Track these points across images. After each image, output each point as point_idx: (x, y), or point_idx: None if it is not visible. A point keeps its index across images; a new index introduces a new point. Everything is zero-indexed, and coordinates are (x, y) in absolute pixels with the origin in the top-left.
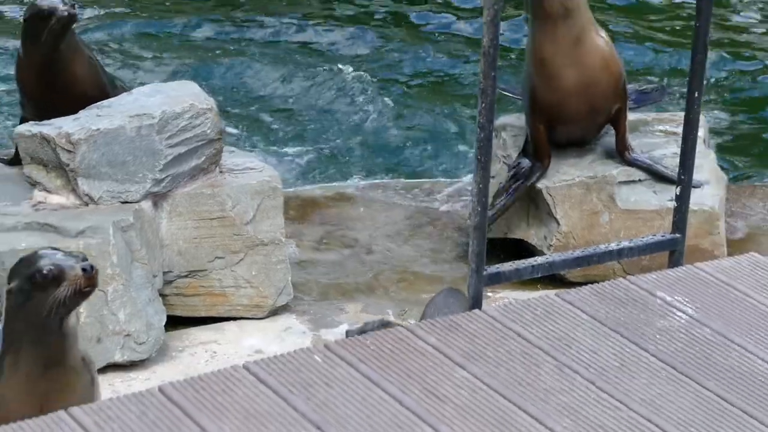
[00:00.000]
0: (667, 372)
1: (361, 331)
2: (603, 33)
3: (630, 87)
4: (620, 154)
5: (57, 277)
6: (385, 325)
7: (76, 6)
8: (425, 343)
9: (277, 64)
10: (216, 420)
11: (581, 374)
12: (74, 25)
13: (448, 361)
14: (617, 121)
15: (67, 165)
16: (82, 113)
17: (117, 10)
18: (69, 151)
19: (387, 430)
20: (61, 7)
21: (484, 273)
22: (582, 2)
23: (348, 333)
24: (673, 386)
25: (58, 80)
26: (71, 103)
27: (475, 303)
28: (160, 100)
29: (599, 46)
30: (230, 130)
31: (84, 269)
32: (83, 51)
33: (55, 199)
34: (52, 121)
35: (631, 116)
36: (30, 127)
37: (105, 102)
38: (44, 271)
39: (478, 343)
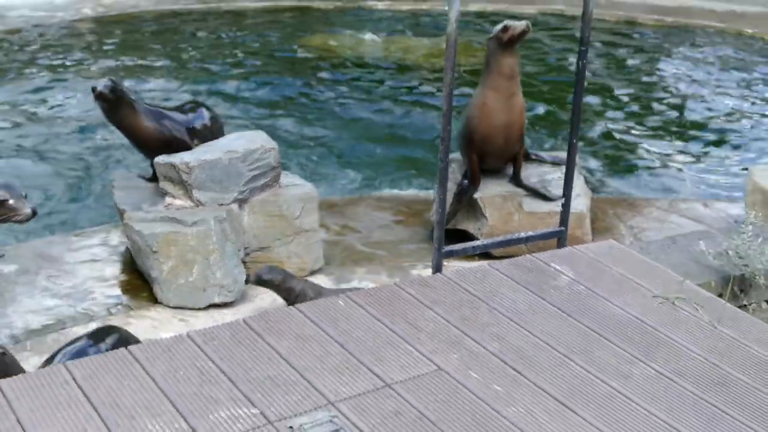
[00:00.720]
0: (558, 313)
1: (258, 276)
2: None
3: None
4: (516, 179)
5: None
6: (273, 269)
7: (107, 86)
8: (407, 294)
9: (314, 116)
10: (278, 340)
11: (504, 314)
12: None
13: (421, 305)
14: (517, 157)
15: (186, 181)
16: (195, 150)
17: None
18: (187, 173)
19: (384, 347)
20: (98, 87)
21: (443, 250)
22: (517, 70)
23: (248, 278)
24: (562, 322)
25: (130, 138)
26: (147, 152)
27: (438, 269)
28: (242, 142)
29: (521, 100)
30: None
31: None
32: (139, 115)
33: (179, 202)
34: (176, 155)
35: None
36: (163, 158)
37: (209, 143)
38: None
39: (440, 294)
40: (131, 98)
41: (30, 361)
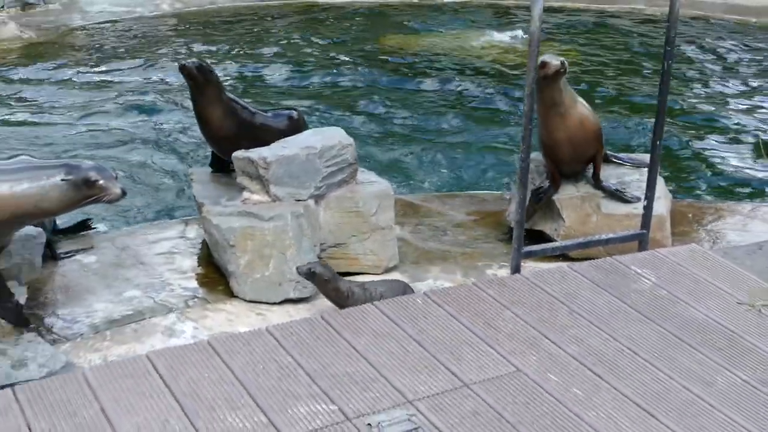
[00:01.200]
0: (639, 317)
1: (308, 269)
2: (582, 105)
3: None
4: (595, 181)
5: None
6: (326, 266)
7: (194, 63)
8: (486, 294)
9: (391, 114)
10: (356, 336)
11: (583, 316)
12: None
13: (500, 305)
14: (594, 161)
15: (263, 176)
16: (272, 145)
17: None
18: (265, 168)
19: (462, 346)
20: (186, 63)
21: (522, 250)
22: (564, 94)
23: (298, 269)
24: (644, 326)
25: (203, 124)
26: (213, 141)
27: (516, 269)
28: (319, 138)
29: (577, 116)
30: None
31: None
32: (220, 101)
33: (256, 197)
34: (254, 150)
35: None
36: (241, 153)
37: (287, 139)
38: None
39: (519, 295)
40: (219, 84)
41: (111, 351)
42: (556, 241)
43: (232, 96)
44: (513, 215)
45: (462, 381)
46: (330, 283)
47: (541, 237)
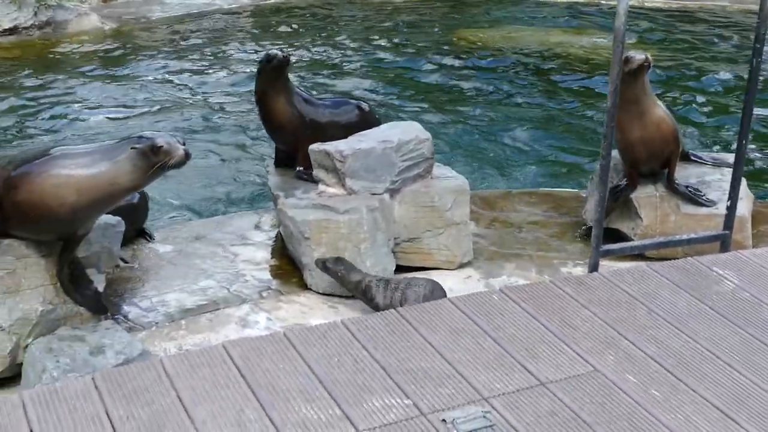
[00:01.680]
0: (720, 320)
1: (322, 262)
2: (660, 107)
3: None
4: (668, 183)
5: None
6: (339, 260)
7: (278, 54)
8: (563, 292)
9: (469, 109)
10: (431, 332)
11: (662, 317)
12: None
13: (577, 303)
14: (669, 162)
15: (340, 169)
16: (349, 138)
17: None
18: (341, 161)
19: (538, 344)
20: (271, 53)
21: (601, 249)
22: (646, 93)
23: (316, 262)
24: (725, 329)
25: (262, 113)
26: (273, 131)
27: (594, 268)
28: (397, 132)
29: (655, 117)
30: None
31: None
32: (284, 91)
33: (331, 190)
34: (331, 143)
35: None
36: (318, 146)
37: (364, 132)
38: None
39: (597, 293)
40: (288, 83)
41: (186, 340)
42: (632, 240)
43: (296, 87)
44: (590, 213)
45: (538, 379)
46: (344, 278)
47: (618, 236)
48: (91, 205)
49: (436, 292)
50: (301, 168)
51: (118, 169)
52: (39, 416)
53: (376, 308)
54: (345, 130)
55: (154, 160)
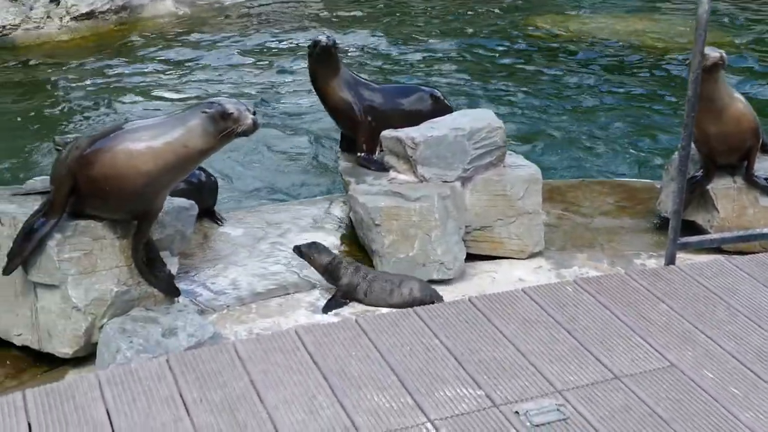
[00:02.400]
0: None
1: (297, 248)
2: (739, 100)
3: None
4: (746, 175)
5: None
6: (312, 244)
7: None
8: (639, 284)
9: (541, 98)
10: (504, 322)
11: (742, 312)
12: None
13: (653, 296)
14: (748, 155)
15: (411, 156)
16: (421, 125)
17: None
18: (413, 148)
19: (613, 337)
20: (319, 39)
21: (678, 242)
22: (721, 90)
23: (294, 248)
24: None
25: (319, 95)
26: (330, 114)
27: (671, 261)
28: (468, 120)
29: (734, 112)
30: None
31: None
32: (339, 76)
33: (402, 177)
34: (403, 129)
35: None
36: (390, 132)
37: (435, 119)
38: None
39: (674, 287)
40: (339, 61)
41: (256, 324)
42: (708, 232)
43: (352, 72)
44: (664, 204)
45: (613, 373)
46: (314, 260)
47: (693, 228)
48: (165, 172)
49: (418, 292)
50: (363, 154)
51: (190, 132)
52: (115, 396)
53: (339, 289)
54: (415, 118)
55: (224, 126)
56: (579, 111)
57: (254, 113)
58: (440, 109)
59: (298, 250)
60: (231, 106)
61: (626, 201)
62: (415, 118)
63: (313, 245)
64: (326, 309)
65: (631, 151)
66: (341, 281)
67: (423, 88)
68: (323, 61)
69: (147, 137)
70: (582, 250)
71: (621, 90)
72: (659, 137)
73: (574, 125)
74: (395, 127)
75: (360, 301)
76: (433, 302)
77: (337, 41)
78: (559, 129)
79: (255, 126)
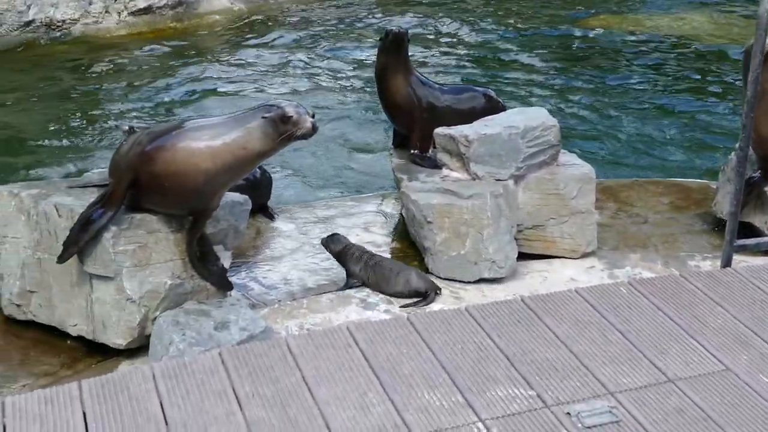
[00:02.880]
0: None
1: (326, 241)
2: None
3: None
4: None
5: None
6: (332, 235)
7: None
8: (694, 286)
9: (595, 96)
10: (557, 322)
11: None
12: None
13: (708, 299)
14: None
15: (464, 154)
16: (475, 123)
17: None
18: (466, 146)
19: (667, 340)
20: (392, 29)
21: (735, 244)
22: None
23: (321, 240)
24: None
25: (380, 90)
26: (388, 110)
27: (727, 263)
28: (523, 118)
29: None
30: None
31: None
32: (405, 72)
33: (455, 174)
34: (457, 127)
35: None
36: (444, 130)
37: (489, 117)
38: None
39: (730, 290)
40: (408, 62)
41: (307, 319)
42: (765, 235)
43: (416, 70)
44: (720, 205)
45: (666, 376)
46: (331, 251)
47: (750, 230)
48: (223, 172)
49: (414, 282)
50: (416, 151)
51: (249, 134)
52: (168, 389)
53: (347, 273)
54: (469, 118)
55: (283, 129)
56: (634, 110)
57: (313, 116)
58: (494, 108)
59: (324, 242)
60: (291, 109)
61: (681, 201)
62: (469, 118)
63: (331, 236)
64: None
65: (686, 151)
66: (350, 268)
67: (477, 88)
68: (393, 52)
69: (207, 137)
70: (635, 251)
71: (677, 89)
72: (715, 137)
73: (630, 124)
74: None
75: (368, 287)
76: (428, 294)
77: (407, 32)
78: (614, 128)
79: (314, 130)
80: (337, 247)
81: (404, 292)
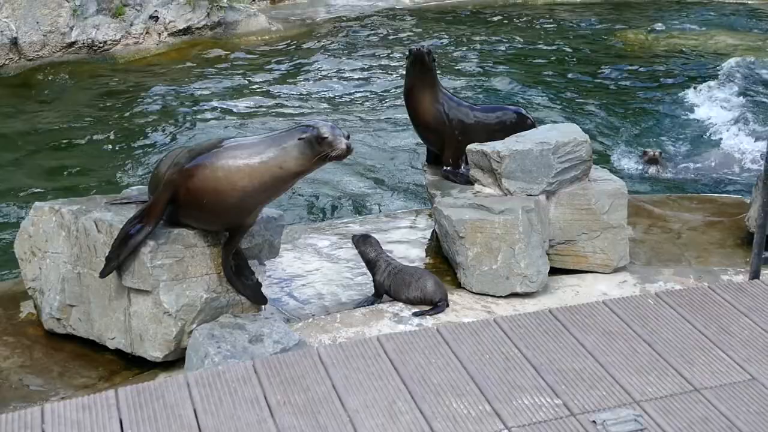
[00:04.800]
0: None
1: (358, 240)
2: None
3: None
4: None
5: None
6: (363, 236)
7: (424, 48)
8: (721, 298)
9: (629, 113)
10: (584, 333)
11: None
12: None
13: (735, 310)
14: None
15: (496, 170)
16: (507, 139)
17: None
18: (498, 162)
19: (693, 350)
20: (414, 47)
21: (763, 255)
22: None
23: (353, 237)
24: None
25: (409, 109)
26: (418, 128)
27: (755, 275)
28: (555, 134)
29: None
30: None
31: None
32: (432, 90)
33: (487, 190)
34: (489, 143)
35: None
36: (475, 146)
37: (521, 133)
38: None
39: (757, 301)
40: (436, 80)
41: (340, 333)
42: None
43: (444, 88)
44: (753, 219)
45: (692, 385)
46: (363, 253)
47: None
48: (261, 190)
49: (429, 289)
50: (448, 168)
51: (286, 155)
52: (202, 396)
53: (374, 284)
54: (500, 135)
55: (319, 150)
56: (665, 126)
57: (348, 137)
58: (525, 126)
59: (354, 238)
60: (326, 130)
61: (715, 216)
62: (499, 135)
63: (364, 237)
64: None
65: (721, 166)
66: (376, 278)
67: (508, 107)
68: (419, 72)
69: (245, 155)
70: (668, 265)
71: (710, 104)
72: (749, 153)
73: (663, 140)
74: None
75: (389, 296)
76: (440, 303)
77: (433, 51)
78: (647, 144)
79: (349, 151)
80: (371, 254)
81: (420, 298)
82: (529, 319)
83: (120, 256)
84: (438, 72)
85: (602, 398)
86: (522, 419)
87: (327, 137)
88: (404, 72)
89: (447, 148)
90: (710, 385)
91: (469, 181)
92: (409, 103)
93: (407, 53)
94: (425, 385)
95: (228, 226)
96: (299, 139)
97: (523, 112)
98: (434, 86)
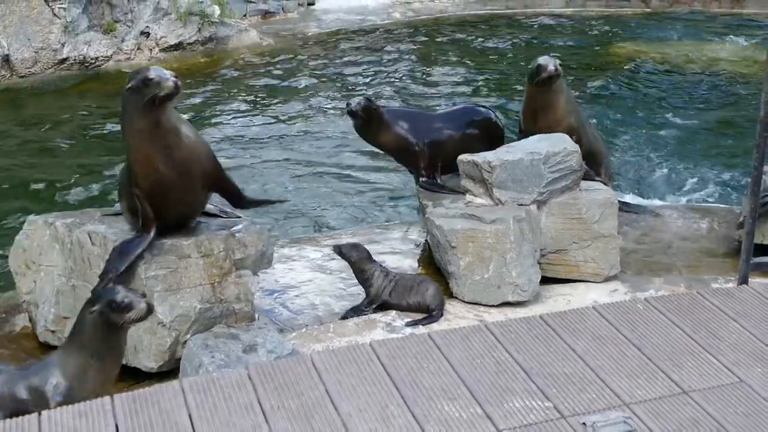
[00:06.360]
0: None
1: (338, 248)
2: None
3: None
4: None
5: None
6: (354, 246)
7: (360, 104)
8: (710, 303)
9: (620, 122)
10: (574, 338)
11: None
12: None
13: (724, 315)
14: None
15: (487, 180)
16: (498, 150)
17: None
18: (489, 172)
19: (682, 354)
20: (351, 104)
21: (751, 261)
22: None
23: (333, 248)
24: None
25: (371, 143)
26: (391, 155)
27: (744, 281)
28: (545, 144)
29: None
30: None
31: None
32: (387, 125)
33: (479, 200)
34: (480, 154)
35: None
36: (466, 157)
37: (513, 144)
38: None
39: (746, 306)
40: (383, 116)
41: (333, 342)
42: None
43: (396, 109)
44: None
45: (681, 388)
46: (355, 264)
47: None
48: (153, 156)
49: (429, 295)
50: (423, 179)
51: (128, 114)
52: (197, 402)
53: (368, 295)
54: (469, 138)
55: (147, 92)
56: (659, 136)
57: (176, 77)
58: (493, 127)
59: (338, 249)
60: (150, 71)
61: (705, 225)
62: (469, 139)
63: (355, 247)
64: (346, 315)
65: (714, 175)
66: (371, 289)
67: (476, 108)
68: (366, 122)
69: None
70: (659, 274)
71: (701, 115)
72: (740, 161)
73: (655, 150)
74: (451, 150)
75: (387, 303)
76: (435, 311)
77: (369, 101)
78: (638, 154)
79: (176, 88)
80: (361, 258)
81: (419, 302)
82: (519, 324)
83: (118, 269)
84: (384, 108)
85: (592, 401)
86: (513, 422)
87: (152, 78)
88: (397, 86)
89: (419, 162)
90: (699, 388)
91: (452, 190)
92: (370, 142)
93: (346, 107)
94: (417, 390)
95: (185, 201)
96: (127, 89)
97: (491, 115)
98: (382, 121)
